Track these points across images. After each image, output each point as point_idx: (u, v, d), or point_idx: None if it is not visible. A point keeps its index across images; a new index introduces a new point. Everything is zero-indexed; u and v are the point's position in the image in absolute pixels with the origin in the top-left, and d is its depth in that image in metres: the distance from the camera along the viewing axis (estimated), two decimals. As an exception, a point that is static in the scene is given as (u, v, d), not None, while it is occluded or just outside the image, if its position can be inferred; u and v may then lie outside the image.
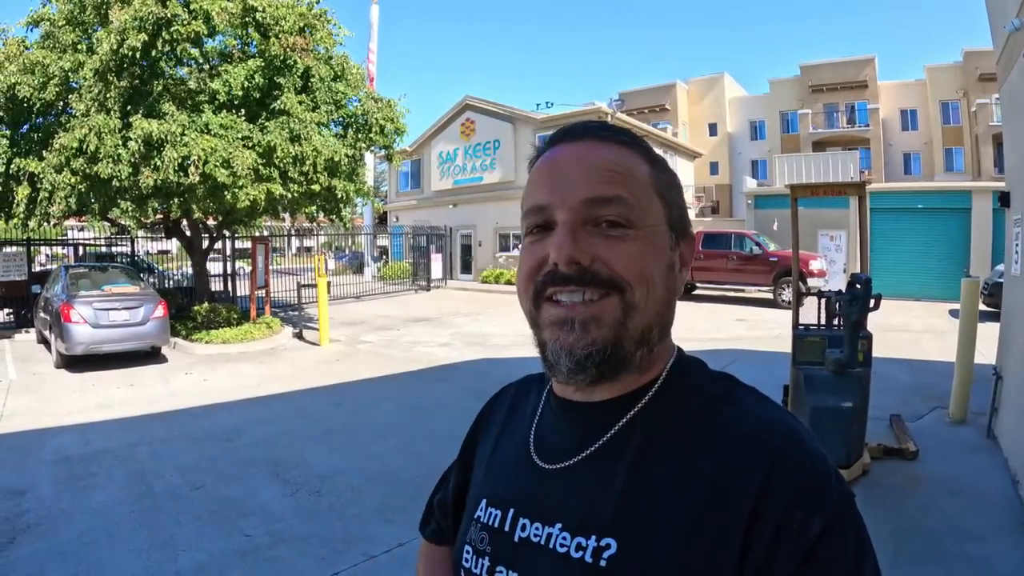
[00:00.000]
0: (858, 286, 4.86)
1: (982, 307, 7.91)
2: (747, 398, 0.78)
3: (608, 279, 0.73)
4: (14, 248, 14.32)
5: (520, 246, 0.83)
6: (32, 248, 14.85)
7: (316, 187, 11.99)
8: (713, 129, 41.68)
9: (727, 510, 0.67)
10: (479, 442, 0.98)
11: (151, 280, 15.84)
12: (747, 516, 0.66)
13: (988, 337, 7.35)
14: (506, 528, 0.81)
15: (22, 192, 10.89)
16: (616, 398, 0.79)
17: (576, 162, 0.78)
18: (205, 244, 14.73)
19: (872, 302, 4.86)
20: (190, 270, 15.79)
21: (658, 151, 0.84)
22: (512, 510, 0.82)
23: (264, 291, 14.43)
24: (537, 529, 0.78)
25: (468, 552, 0.84)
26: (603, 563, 0.70)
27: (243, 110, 11.51)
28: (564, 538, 0.74)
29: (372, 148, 13.77)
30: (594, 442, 0.78)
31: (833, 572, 0.65)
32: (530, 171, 0.83)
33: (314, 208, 13.56)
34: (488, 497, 0.86)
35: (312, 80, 11.86)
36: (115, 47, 9.83)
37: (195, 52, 11.23)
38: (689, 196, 30.70)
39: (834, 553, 0.65)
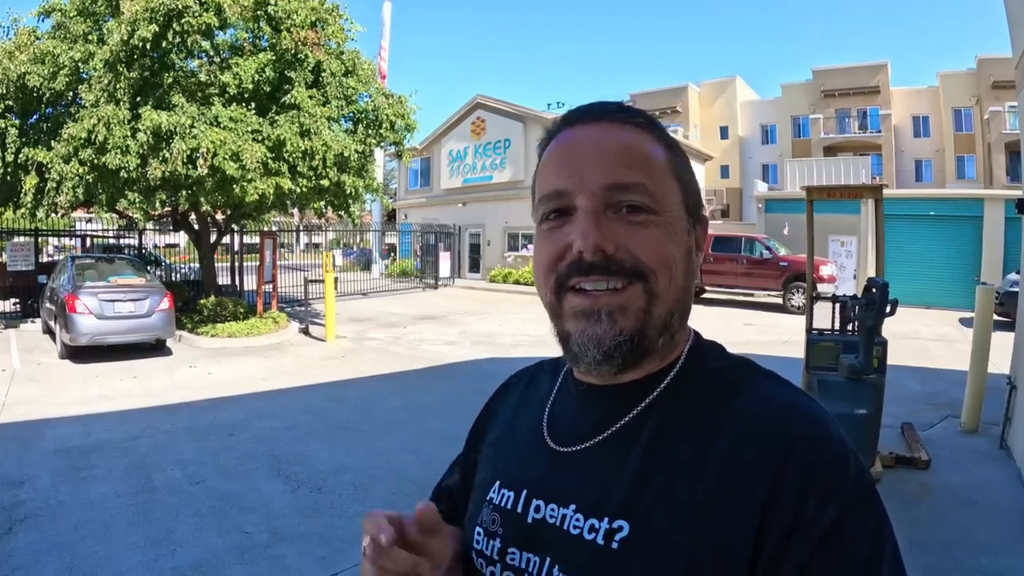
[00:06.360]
0: (875, 291, 4.78)
1: (994, 316, 7.80)
2: (764, 381, 0.76)
3: (633, 268, 0.72)
4: (22, 238, 14.34)
5: (535, 232, 0.81)
6: (40, 239, 14.86)
7: (325, 182, 11.95)
8: (724, 132, 41.59)
9: (741, 495, 0.66)
10: (488, 429, 0.98)
11: (158, 273, 15.84)
12: (761, 502, 0.64)
13: (998, 347, 7.25)
14: (519, 509, 0.80)
15: (30, 182, 10.91)
16: (635, 381, 0.78)
17: (595, 146, 0.76)
18: (213, 238, 14.71)
19: (889, 307, 4.77)
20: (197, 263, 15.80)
21: None
22: (525, 491, 0.81)
23: (271, 286, 14.36)
24: (552, 510, 0.77)
25: (479, 534, 0.84)
26: (615, 545, 0.69)
27: (253, 103, 11.47)
28: (578, 519, 0.74)
29: (382, 144, 13.74)
30: (611, 425, 0.78)
31: (848, 562, 0.63)
32: (541, 153, 0.81)
33: (323, 203, 13.53)
34: (501, 479, 0.85)
35: (323, 75, 11.82)
36: (126, 38, 9.81)
37: (206, 44, 11.23)
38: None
39: (849, 542, 0.63)
